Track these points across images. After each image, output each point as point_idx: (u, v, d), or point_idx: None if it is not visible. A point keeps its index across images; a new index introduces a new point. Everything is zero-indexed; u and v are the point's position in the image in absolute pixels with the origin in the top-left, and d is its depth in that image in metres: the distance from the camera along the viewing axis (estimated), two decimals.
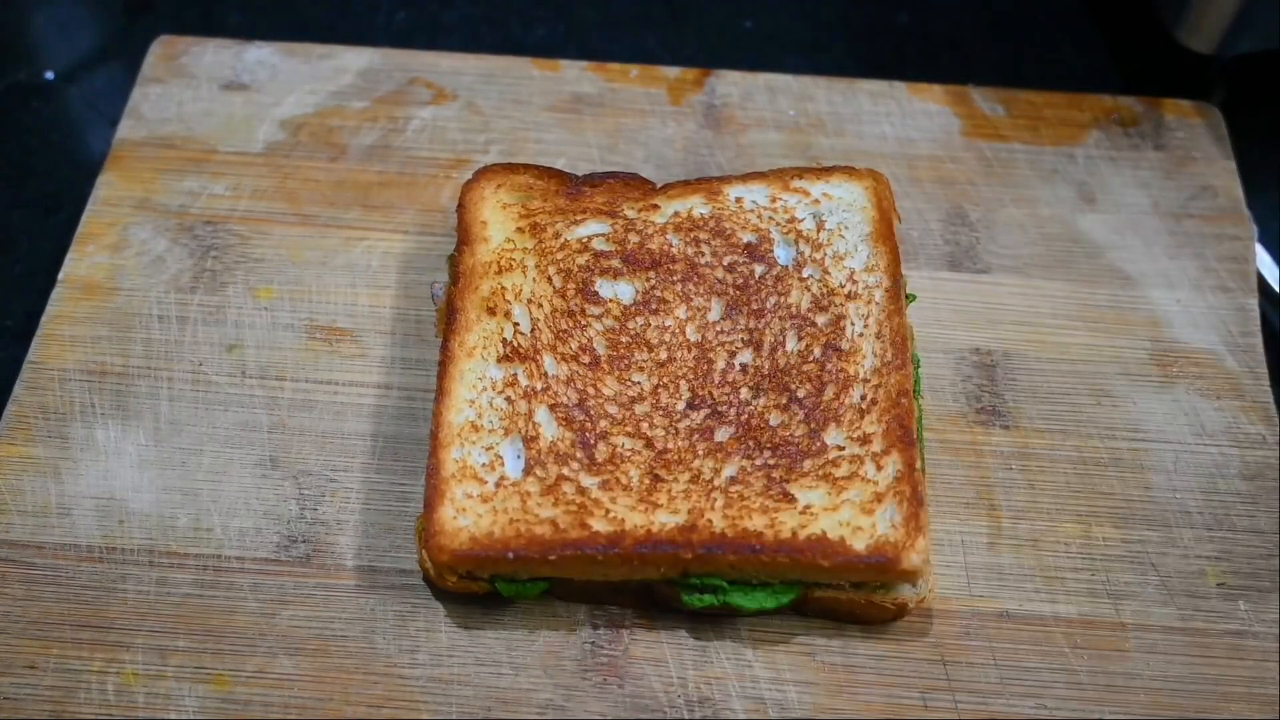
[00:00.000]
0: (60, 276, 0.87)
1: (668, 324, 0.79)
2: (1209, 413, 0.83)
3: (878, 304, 0.79)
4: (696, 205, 0.84)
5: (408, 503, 0.79)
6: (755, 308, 0.79)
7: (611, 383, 0.77)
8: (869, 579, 0.72)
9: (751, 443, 0.75)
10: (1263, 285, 0.90)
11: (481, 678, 0.73)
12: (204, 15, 1.07)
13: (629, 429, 0.75)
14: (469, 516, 0.72)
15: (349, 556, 0.77)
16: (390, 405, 0.82)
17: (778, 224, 0.83)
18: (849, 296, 0.80)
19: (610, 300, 0.80)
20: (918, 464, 0.74)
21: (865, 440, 0.74)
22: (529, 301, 0.80)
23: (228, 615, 0.75)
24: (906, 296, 0.80)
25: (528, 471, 0.74)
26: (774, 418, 0.75)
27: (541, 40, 1.07)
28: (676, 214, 0.83)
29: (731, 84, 0.98)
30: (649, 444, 0.75)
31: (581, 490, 0.73)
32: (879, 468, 0.73)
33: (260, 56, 0.98)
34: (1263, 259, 0.91)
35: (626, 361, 0.78)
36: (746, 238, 0.82)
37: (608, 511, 0.72)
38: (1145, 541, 0.79)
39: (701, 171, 0.93)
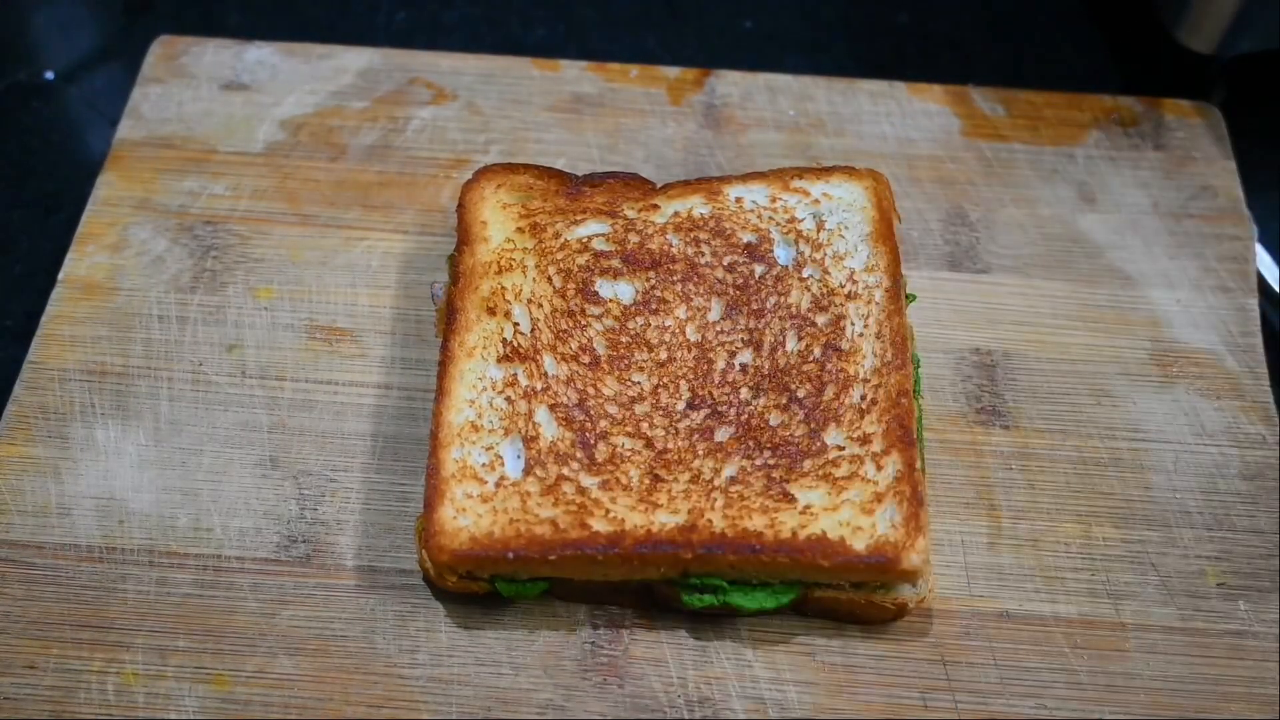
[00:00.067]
0: (60, 276, 0.87)
1: (668, 324, 0.79)
2: (1209, 413, 0.83)
3: (878, 304, 0.79)
4: (696, 205, 0.84)
5: (408, 503, 0.79)
6: (755, 308, 0.79)
7: (611, 383, 0.77)
8: (869, 579, 0.72)
9: (751, 443, 0.75)
10: (1263, 285, 0.90)
11: (481, 678, 0.73)
12: (204, 15, 1.07)
13: (629, 429, 0.75)
14: (469, 516, 0.72)
15: (349, 556, 0.77)
16: (390, 405, 0.82)
17: (778, 224, 0.83)
18: (849, 296, 0.80)
19: (610, 300, 0.80)
20: (918, 464, 0.74)
21: (865, 440, 0.74)
22: (529, 301, 0.80)
23: (228, 615, 0.75)
24: (906, 296, 0.80)
25: (528, 471, 0.74)
26: (774, 418, 0.75)
27: (541, 40, 1.07)
28: (676, 214, 0.83)
29: (731, 84, 0.98)
30: (649, 444, 0.75)
31: (581, 490, 0.73)
32: (879, 468, 0.73)
33: (260, 56, 0.98)
34: (1263, 259, 0.91)
35: (626, 361, 0.78)
36: (746, 238, 0.82)
37: (608, 511, 0.72)
38: (1145, 541, 0.79)
39: (701, 171, 0.93)
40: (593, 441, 0.75)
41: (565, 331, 0.79)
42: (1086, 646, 0.75)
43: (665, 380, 0.77)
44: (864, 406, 0.76)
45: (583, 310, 0.79)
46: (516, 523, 0.72)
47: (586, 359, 0.78)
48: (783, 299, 0.80)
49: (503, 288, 0.80)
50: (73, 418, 0.81)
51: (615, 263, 0.81)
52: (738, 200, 0.84)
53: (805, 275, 0.81)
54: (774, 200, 0.84)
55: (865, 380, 0.76)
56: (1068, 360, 0.85)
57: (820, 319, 0.79)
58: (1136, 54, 1.06)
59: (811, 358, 0.77)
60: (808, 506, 0.72)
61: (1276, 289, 0.90)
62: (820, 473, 0.73)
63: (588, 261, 0.81)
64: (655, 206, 0.84)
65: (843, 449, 0.74)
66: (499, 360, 0.78)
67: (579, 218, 0.83)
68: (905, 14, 1.09)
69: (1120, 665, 0.74)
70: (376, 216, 0.90)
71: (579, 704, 0.73)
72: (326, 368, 0.84)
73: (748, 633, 0.75)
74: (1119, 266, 0.90)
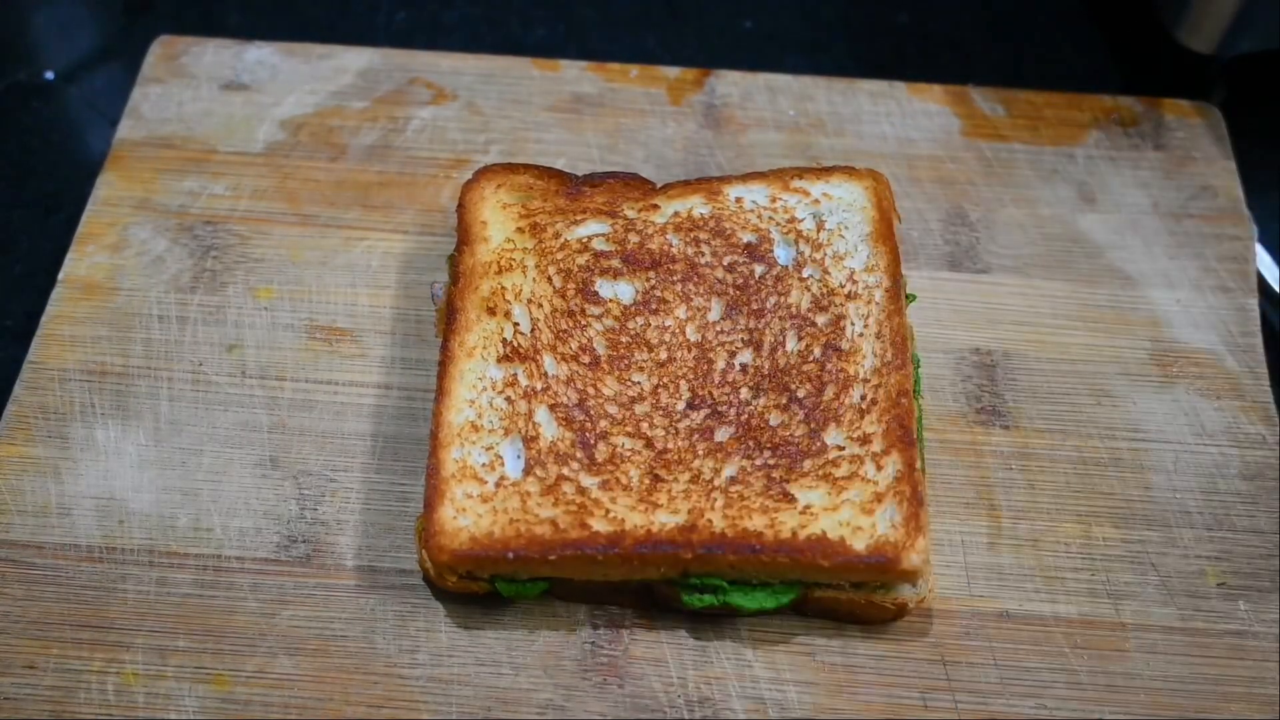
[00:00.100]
0: (60, 276, 0.87)
1: (668, 324, 0.79)
2: (1209, 413, 0.83)
3: (878, 304, 0.79)
4: (696, 205, 0.84)
5: (408, 503, 0.79)
6: (755, 308, 0.79)
7: (611, 383, 0.77)
8: (869, 579, 0.72)
9: (751, 443, 0.75)
10: (1263, 285, 0.90)
11: (481, 678, 0.73)
12: (204, 15, 1.07)
13: (629, 429, 0.75)
14: (469, 516, 0.72)
15: (349, 556, 0.77)
16: (390, 405, 0.82)
17: (778, 224, 0.83)
18: (849, 296, 0.80)
19: (610, 300, 0.80)
20: (918, 464, 0.74)
21: (865, 440, 0.74)
22: (529, 301, 0.80)
23: (228, 615, 0.75)
24: (906, 296, 0.80)
25: (528, 471, 0.74)
26: (774, 418, 0.75)
27: (541, 40, 1.07)
28: (676, 214, 0.83)
29: (731, 84, 0.98)
30: (649, 444, 0.75)
31: (581, 490, 0.73)
32: (879, 468, 0.73)
33: (260, 56, 0.98)
34: (1263, 259, 0.91)
35: (626, 361, 0.78)
36: (746, 238, 0.82)
37: (608, 511, 0.72)
38: (1145, 541, 0.79)
39: (701, 171, 0.93)
40: (593, 441, 0.75)
41: (565, 331, 0.79)
42: (1086, 646, 0.75)
43: (665, 380, 0.77)
44: (864, 406, 0.76)
45: (583, 310, 0.79)
46: (516, 523, 0.72)
47: (586, 359, 0.78)
48: (783, 299, 0.80)
49: (503, 288, 0.80)
50: (73, 418, 0.81)
51: (615, 263, 0.81)
52: (738, 200, 0.84)
53: (805, 275, 0.81)
54: (774, 200, 0.84)
55: (865, 380, 0.76)
56: (1068, 360, 0.85)
57: (820, 319, 0.79)
58: (1136, 54, 1.06)
59: (811, 358, 0.77)
60: (808, 506, 0.72)
61: (1276, 289, 0.90)
62: (820, 473, 0.73)
63: (588, 261, 0.81)
64: (655, 206, 0.84)
65: (843, 449, 0.74)
66: (499, 360, 0.78)
67: (579, 218, 0.83)
68: (905, 14, 1.09)
69: (1120, 665, 0.74)
70: (376, 216, 0.90)
71: (579, 704, 0.73)
72: (326, 368, 0.84)
73: (748, 633, 0.75)
74: (1119, 266, 0.90)
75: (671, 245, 0.82)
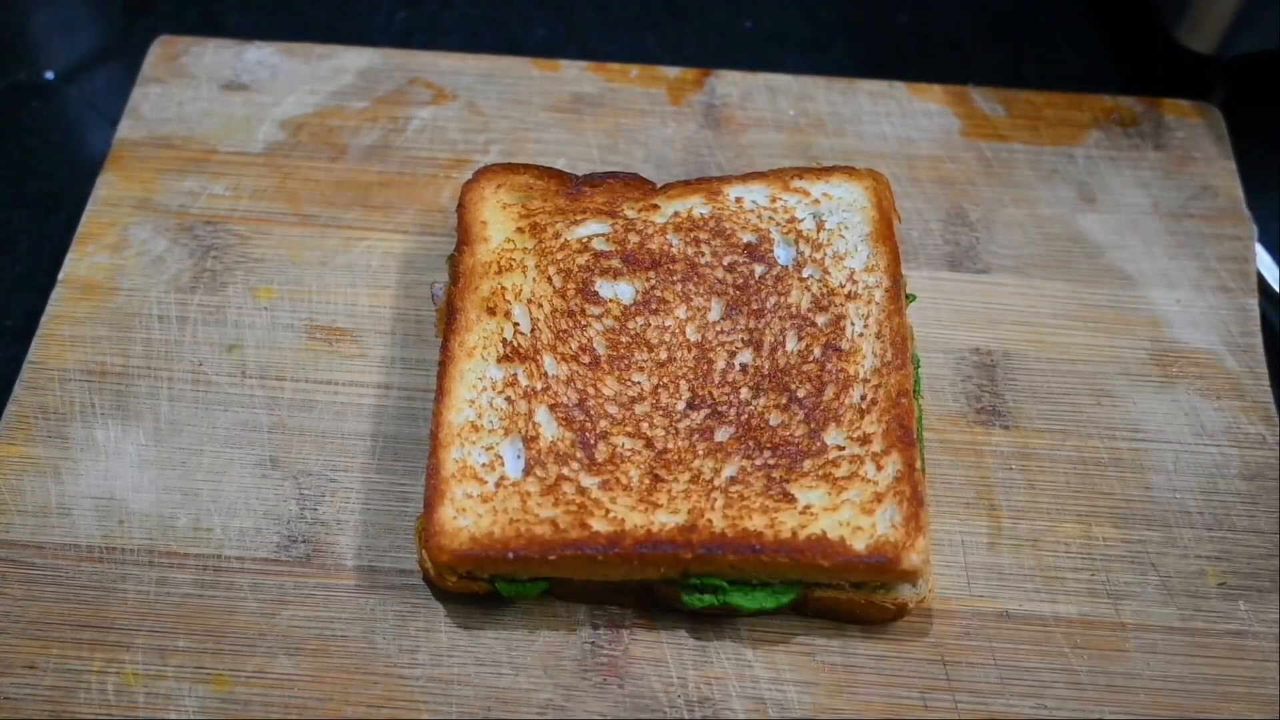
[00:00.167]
0: (60, 276, 0.87)
1: (668, 324, 0.79)
2: (1209, 413, 0.83)
3: (878, 304, 0.79)
4: (696, 205, 0.84)
5: (408, 503, 0.79)
6: (755, 308, 0.79)
7: (611, 383, 0.77)
8: (869, 579, 0.72)
9: (751, 443, 0.75)
10: (1263, 285, 0.90)
11: (481, 678, 0.73)
12: (204, 15, 1.07)
13: (629, 429, 0.75)
14: (469, 516, 0.72)
15: (349, 556, 0.77)
16: (390, 405, 0.82)
17: (778, 224, 0.83)
18: (849, 296, 0.80)
19: (610, 300, 0.80)
20: (918, 464, 0.74)
21: (865, 440, 0.74)
22: (529, 301, 0.80)
23: (228, 615, 0.75)
24: (906, 296, 0.80)
25: (528, 471, 0.74)
26: (774, 418, 0.75)
27: (541, 40, 1.07)
28: (676, 214, 0.83)
29: (731, 84, 0.98)
30: (649, 444, 0.75)
31: (581, 490, 0.73)
32: (879, 468, 0.73)
33: (260, 56, 0.98)
34: (1263, 259, 0.91)
35: (626, 361, 0.78)
36: (746, 238, 0.82)
37: (608, 511, 0.72)
38: (1145, 541, 0.79)
39: (701, 171, 0.93)
40: (593, 441, 0.75)
41: (565, 331, 0.79)
42: (1086, 646, 0.75)
43: (665, 380, 0.77)
44: (864, 406, 0.76)
45: (583, 310, 0.79)
46: (516, 523, 0.72)
47: (586, 359, 0.78)
48: (783, 299, 0.80)
49: (503, 288, 0.80)
50: (73, 418, 0.81)
51: (615, 263, 0.81)
52: (738, 200, 0.84)
53: (805, 275, 0.81)
54: (774, 200, 0.84)
55: (865, 380, 0.76)
56: (1068, 360, 0.85)
57: (820, 319, 0.79)
58: (1136, 54, 1.06)
59: (811, 358, 0.77)
60: (808, 506, 0.72)
61: (1276, 289, 0.90)
62: (820, 473, 0.73)
63: (588, 261, 0.81)
64: (655, 206, 0.84)
65: (843, 449, 0.74)
66: (499, 360, 0.78)
67: (579, 218, 0.83)
68: (905, 14, 1.09)
69: (1120, 665, 0.74)
70: (376, 216, 0.90)
71: (579, 704, 0.73)
72: (326, 368, 0.84)
73: (748, 633, 0.75)
74: (1119, 266, 0.90)
75: (671, 245, 0.82)
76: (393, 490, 0.79)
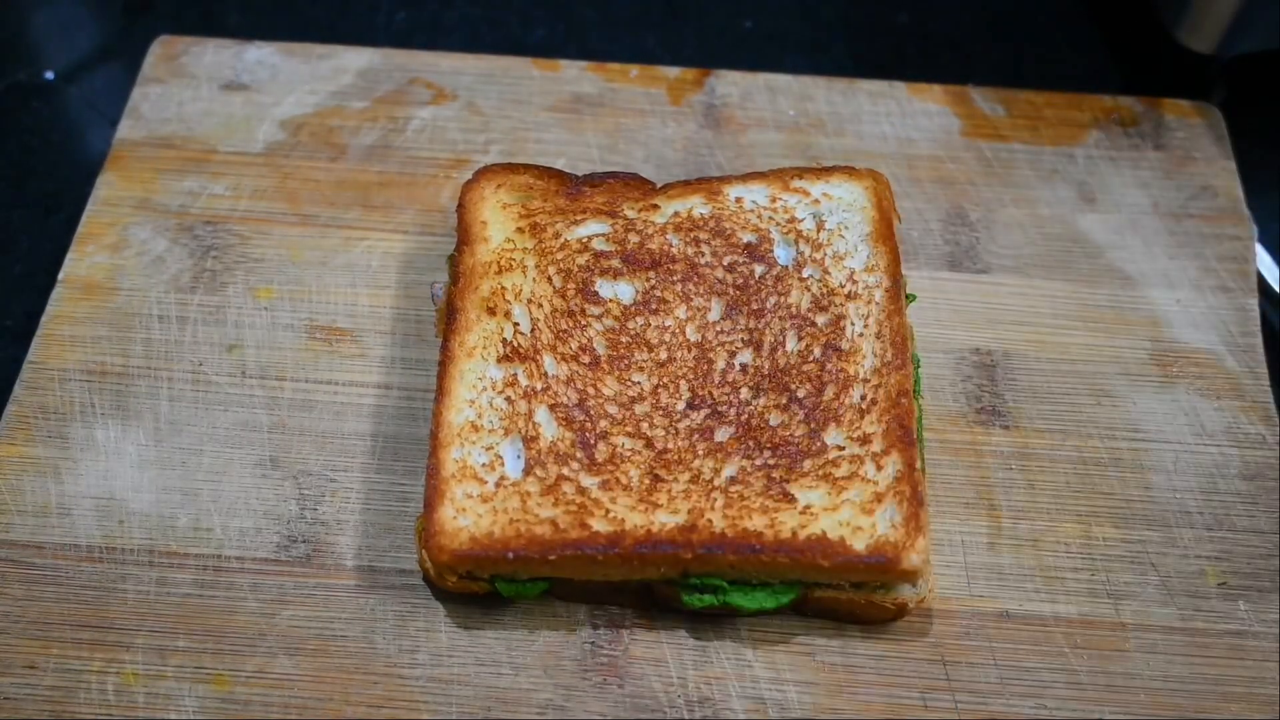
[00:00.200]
0: (60, 276, 0.87)
1: (668, 324, 0.79)
2: (1209, 413, 0.83)
3: (878, 304, 0.79)
4: (696, 205, 0.84)
5: (408, 503, 0.79)
6: (755, 308, 0.79)
7: (611, 383, 0.77)
8: (869, 579, 0.72)
9: (751, 443, 0.75)
10: (1263, 285, 0.90)
11: (481, 678, 0.73)
12: (204, 15, 1.07)
13: (629, 429, 0.75)
14: (469, 516, 0.72)
15: (349, 556, 0.77)
16: (390, 405, 0.82)
17: (778, 224, 0.83)
18: (849, 296, 0.80)
19: (610, 300, 0.80)
20: (918, 464, 0.74)
21: (865, 440, 0.74)
22: (529, 301, 0.80)
23: (228, 615, 0.75)
24: (906, 296, 0.80)
25: (528, 471, 0.74)
26: (774, 418, 0.75)
27: (541, 40, 1.07)
28: (676, 214, 0.83)
29: (731, 84, 0.98)
30: (649, 444, 0.75)
31: (581, 490, 0.73)
32: (879, 468, 0.73)
33: (260, 56, 0.98)
34: (1263, 259, 0.91)
35: (626, 361, 0.78)
36: (746, 238, 0.82)
37: (608, 511, 0.72)
38: (1145, 541, 0.79)
39: (701, 171, 0.93)
40: (593, 441, 0.75)
41: (565, 331, 0.79)
42: (1086, 646, 0.75)
43: (665, 380, 0.77)
44: (864, 406, 0.76)
45: (583, 310, 0.79)
46: (516, 523, 0.72)
47: (586, 359, 0.78)
48: (783, 299, 0.80)
49: (503, 288, 0.80)
50: (73, 418, 0.81)
51: (615, 263, 0.81)
52: (738, 200, 0.84)
53: (805, 275, 0.81)
54: (774, 200, 0.84)
55: (865, 380, 0.76)
56: (1068, 360, 0.85)
57: (820, 319, 0.79)
58: (1136, 54, 1.06)
59: (811, 358, 0.77)
60: (808, 506, 0.72)
61: (1276, 289, 0.90)
62: (820, 473, 0.73)
63: (588, 261, 0.81)
64: (655, 206, 0.84)
65: (843, 449, 0.74)
66: (499, 360, 0.78)
67: (579, 218, 0.83)
68: (905, 14, 1.09)
69: (1120, 665, 0.74)
70: (376, 216, 0.90)
71: (579, 704, 0.73)
72: (326, 368, 0.84)
73: (748, 633, 0.75)
74: (1119, 266, 0.90)
75: (671, 245, 0.82)
76: (393, 490, 0.79)
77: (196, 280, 0.87)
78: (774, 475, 0.73)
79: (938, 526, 0.78)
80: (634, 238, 0.82)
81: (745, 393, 0.77)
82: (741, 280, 0.81)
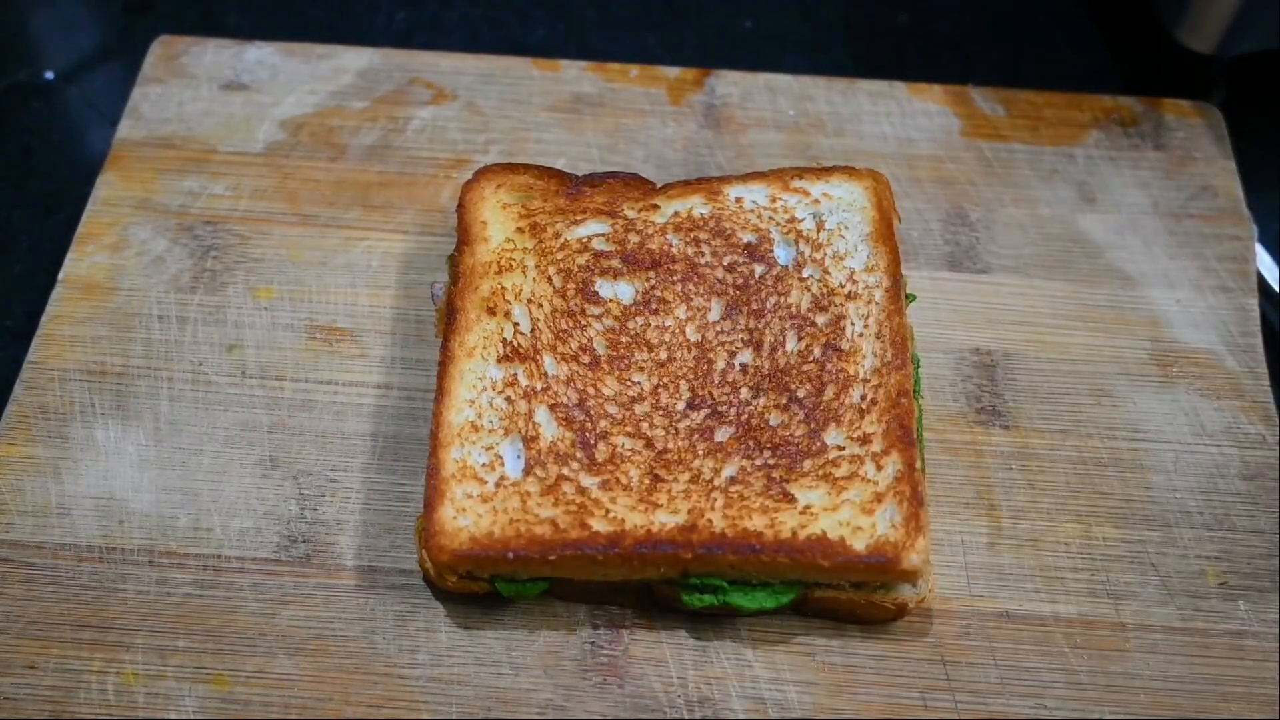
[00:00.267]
0: (60, 276, 0.87)
1: (668, 324, 0.79)
2: (1209, 413, 0.83)
3: (878, 304, 0.79)
4: (696, 205, 0.84)
5: (408, 503, 0.79)
6: (755, 308, 0.79)
7: (611, 383, 0.77)
8: (869, 579, 0.72)
9: (751, 443, 0.75)
10: (1263, 285, 0.90)
11: (481, 678, 0.73)
12: (204, 15, 1.07)
13: (629, 429, 0.75)
14: (469, 516, 0.72)
15: (349, 556, 0.77)
16: (390, 405, 0.82)
17: (778, 224, 0.83)
18: (849, 296, 0.80)
19: (610, 300, 0.80)
20: (918, 464, 0.74)
21: (865, 440, 0.74)
22: (529, 301, 0.80)
23: (228, 615, 0.75)
24: (906, 296, 0.80)
25: (528, 471, 0.74)
26: (774, 418, 0.75)
27: (541, 40, 1.07)
28: (676, 214, 0.83)
29: (731, 84, 0.98)
30: (649, 444, 0.75)
31: (581, 490, 0.73)
32: (879, 468, 0.73)
33: (260, 56, 0.98)
34: (1263, 259, 0.91)
35: (626, 361, 0.78)
36: (746, 238, 0.82)
37: (608, 511, 0.72)
38: (1145, 541, 0.79)
39: (701, 171, 0.93)
40: (593, 441, 0.75)
41: (565, 331, 0.79)
42: (1086, 646, 0.75)
43: (665, 380, 0.77)
44: (864, 406, 0.76)
45: (583, 310, 0.79)
46: (516, 523, 0.72)
47: (586, 359, 0.78)
48: (783, 299, 0.80)
49: (503, 288, 0.80)
50: (73, 418, 0.81)
51: (615, 263, 0.81)
52: (738, 200, 0.84)
53: (805, 275, 0.81)
54: (774, 200, 0.84)
55: (865, 380, 0.76)
56: (1068, 360, 0.85)
57: (820, 319, 0.79)
58: (1136, 54, 1.06)
59: (811, 358, 0.77)
60: (808, 506, 0.72)
61: (1276, 289, 0.90)
62: (820, 473, 0.73)
63: (588, 261, 0.81)
64: (655, 206, 0.84)
65: (843, 449, 0.74)
66: (499, 360, 0.78)
67: (579, 218, 0.83)
68: (905, 14, 1.09)
69: (1120, 665, 0.74)
70: (376, 216, 0.90)
71: (579, 704, 0.73)
72: (326, 368, 0.84)
73: (748, 633, 0.75)
74: (1119, 266, 0.90)
75: (671, 245, 0.82)
76: (393, 490, 0.79)
77: (196, 280, 0.87)
78: (774, 475, 0.73)
79: (938, 526, 0.78)
80: (634, 238, 0.82)
81: (745, 393, 0.77)
82: (741, 280, 0.81)
